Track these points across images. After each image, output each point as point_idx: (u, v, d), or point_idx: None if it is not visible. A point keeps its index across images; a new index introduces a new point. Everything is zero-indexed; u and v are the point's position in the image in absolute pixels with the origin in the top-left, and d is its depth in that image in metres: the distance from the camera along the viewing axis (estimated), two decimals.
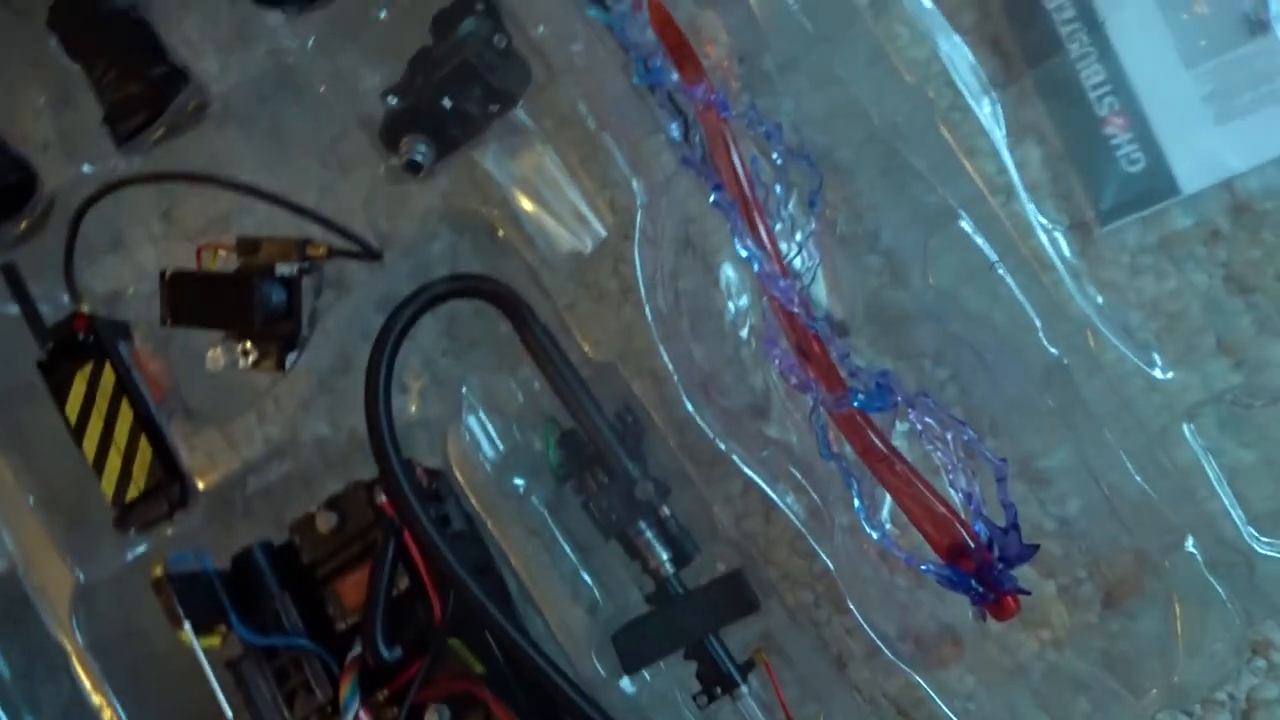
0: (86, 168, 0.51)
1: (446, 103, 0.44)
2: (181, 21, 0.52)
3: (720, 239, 0.54)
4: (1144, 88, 0.55)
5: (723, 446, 0.47)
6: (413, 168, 0.46)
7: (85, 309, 0.51)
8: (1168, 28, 0.55)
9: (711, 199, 0.46)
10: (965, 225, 0.54)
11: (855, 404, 0.46)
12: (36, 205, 0.51)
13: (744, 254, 0.45)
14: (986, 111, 0.57)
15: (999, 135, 0.57)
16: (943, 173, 0.55)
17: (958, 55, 0.58)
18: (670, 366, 0.51)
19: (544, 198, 0.46)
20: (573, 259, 0.46)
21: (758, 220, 0.46)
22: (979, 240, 0.54)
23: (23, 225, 0.51)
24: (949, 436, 0.48)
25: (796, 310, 0.46)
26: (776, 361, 0.47)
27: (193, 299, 0.49)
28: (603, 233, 0.46)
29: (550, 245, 0.46)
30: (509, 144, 0.46)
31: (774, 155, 0.49)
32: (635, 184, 0.45)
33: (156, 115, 0.50)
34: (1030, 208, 0.56)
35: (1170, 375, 0.50)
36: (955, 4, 0.58)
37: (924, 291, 0.56)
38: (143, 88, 0.50)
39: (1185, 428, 0.48)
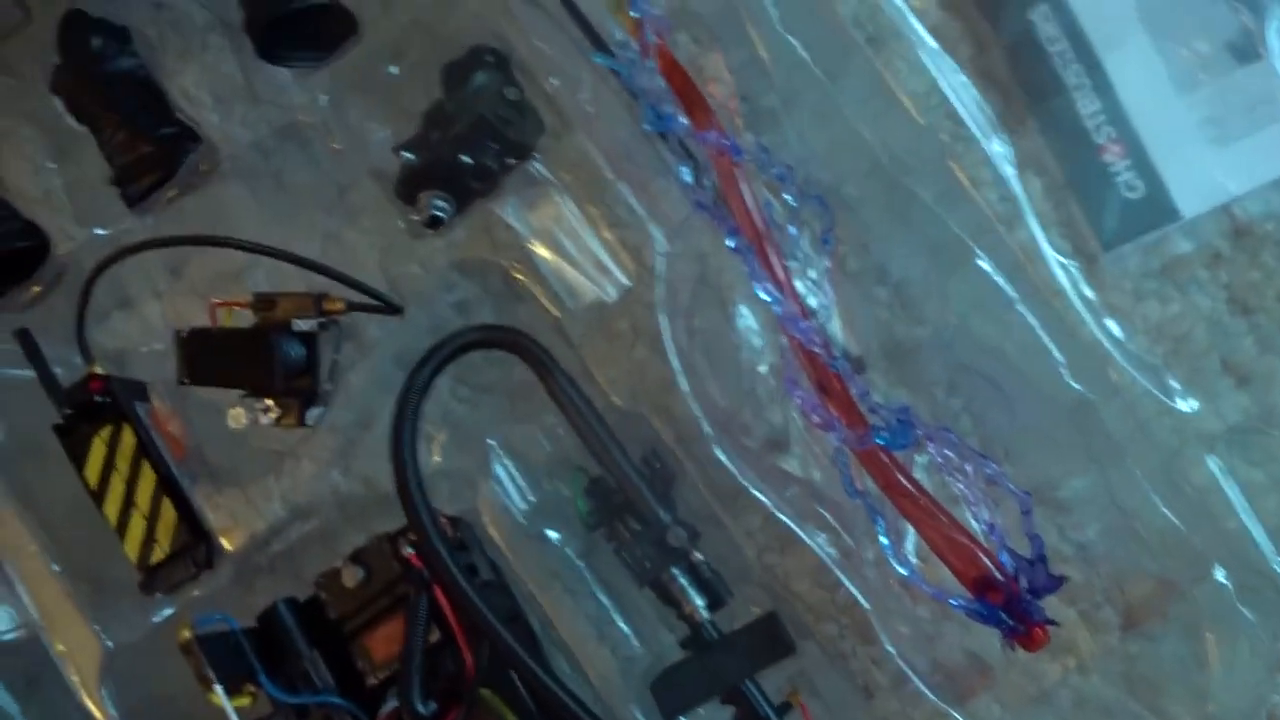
0: (99, 230, 0.50)
1: (465, 158, 0.44)
2: (188, 80, 0.52)
3: (734, 276, 0.54)
4: (1139, 115, 0.56)
5: (757, 494, 0.47)
6: (434, 223, 0.46)
7: (100, 370, 0.51)
8: (1160, 57, 0.56)
9: (730, 244, 0.46)
10: (973, 255, 0.55)
11: (879, 442, 0.46)
12: (50, 271, 0.50)
13: (765, 298, 0.45)
14: (987, 142, 0.58)
15: (1000, 165, 0.58)
16: (947, 203, 0.56)
17: (957, 88, 0.59)
18: (694, 404, 0.51)
19: (564, 248, 0.46)
20: (596, 308, 0.47)
21: (775, 263, 0.47)
22: (987, 270, 0.55)
23: (35, 290, 0.50)
24: (969, 468, 0.49)
25: (818, 351, 0.46)
26: (798, 401, 0.47)
27: (210, 357, 0.49)
28: (625, 281, 0.46)
29: (572, 295, 0.46)
30: (527, 195, 0.46)
31: (786, 196, 0.49)
32: (654, 230, 0.46)
33: (167, 177, 0.49)
34: (1035, 236, 0.57)
35: (1191, 404, 0.51)
36: (953, 38, 0.59)
37: (934, 322, 0.56)
38: (152, 149, 0.49)
39: (1209, 459, 0.48)
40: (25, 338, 0.49)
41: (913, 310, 0.58)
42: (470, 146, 0.44)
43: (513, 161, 0.46)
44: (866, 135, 0.56)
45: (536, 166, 0.47)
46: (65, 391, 0.50)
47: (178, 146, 0.50)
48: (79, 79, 0.50)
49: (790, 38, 0.57)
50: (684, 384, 0.51)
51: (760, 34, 0.57)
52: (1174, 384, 0.52)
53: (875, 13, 0.59)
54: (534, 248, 0.46)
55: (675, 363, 0.50)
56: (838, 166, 0.57)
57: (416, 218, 0.46)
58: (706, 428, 0.51)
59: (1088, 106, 0.57)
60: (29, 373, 0.50)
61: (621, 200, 0.46)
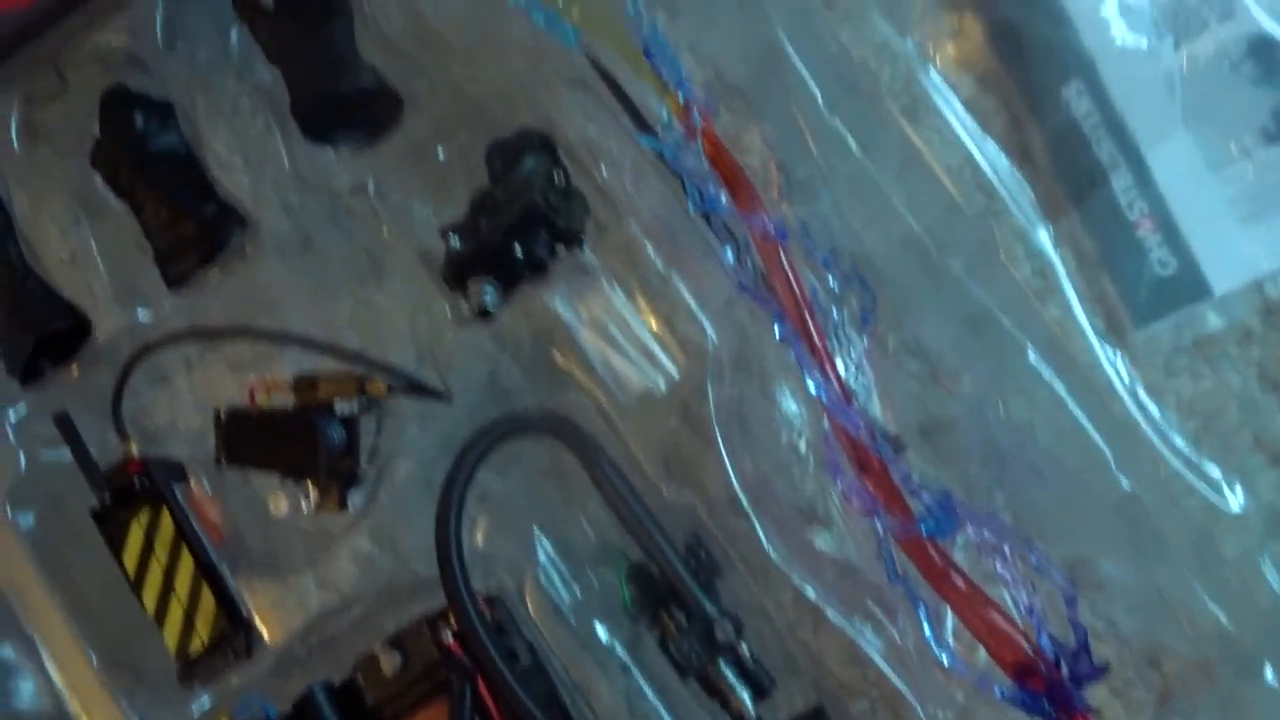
0: (141, 312, 0.50)
1: (516, 247, 0.44)
2: (219, 143, 0.51)
3: (773, 353, 0.54)
4: (1172, 192, 0.56)
5: (792, 575, 0.47)
6: (484, 314, 0.46)
7: (137, 452, 0.50)
8: (1193, 135, 0.57)
9: (776, 333, 0.46)
10: (1006, 330, 0.55)
11: (924, 531, 0.47)
12: (90, 354, 0.49)
13: (812, 388, 0.45)
14: (1020, 216, 0.58)
15: (1034, 240, 0.58)
16: (981, 277, 0.56)
17: (990, 161, 0.59)
18: (733, 478, 0.51)
19: (612, 336, 0.46)
20: (644, 398, 0.47)
21: (820, 350, 0.47)
22: (1020, 344, 0.55)
23: (74, 373, 0.49)
24: (1008, 549, 0.49)
25: (864, 439, 0.46)
26: (841, 487, 0.48)
27: (249, 439, 0.48)
28: (674, 373, 0.46)
29: (619, 383, 0.46)
30: (574, 282, 0.46)
31: (829, 278, 0.49)
32: (705, 321, 0.45)
33: (210, 258, 0.49)
34: (1069, 311, 0.57)
35: (1238, 499, 0.51)
36: (987, 111, 0.59)
37: (967, 396, 0.56)
38: (195, 229, 0.49)
39: (1243, 540, 0.49)
40: (65, 423, 0.48)
41: (946, 384, 0.58)
42: (521, 234, 0.44)
43: (563, 249, 0.46)
44: (900, 208, 0.56)
45: (585, 253, 0.47)
46: (104, 475, 0.49)
47: (221, 227, 0.49)
48: (120, 156, 0.50)
49: (826, 109, 0.57)
50: (724, 458, 0.51)
51: (796, 105, 0.58)
52: (1211, 469, 0.52)
53: (909, 85, 0.60)
54: (580, 334, 0.46)
55: (720, 442, 0.50)
56: (872, 238, 0.57)
57: (465, 306, 0.46)
58: (744, 502, 0.51)
59: (1121, 183, 0.57)
60: (65, 453, 0.49)
61: (673, 289, 0.46)
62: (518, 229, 0.44)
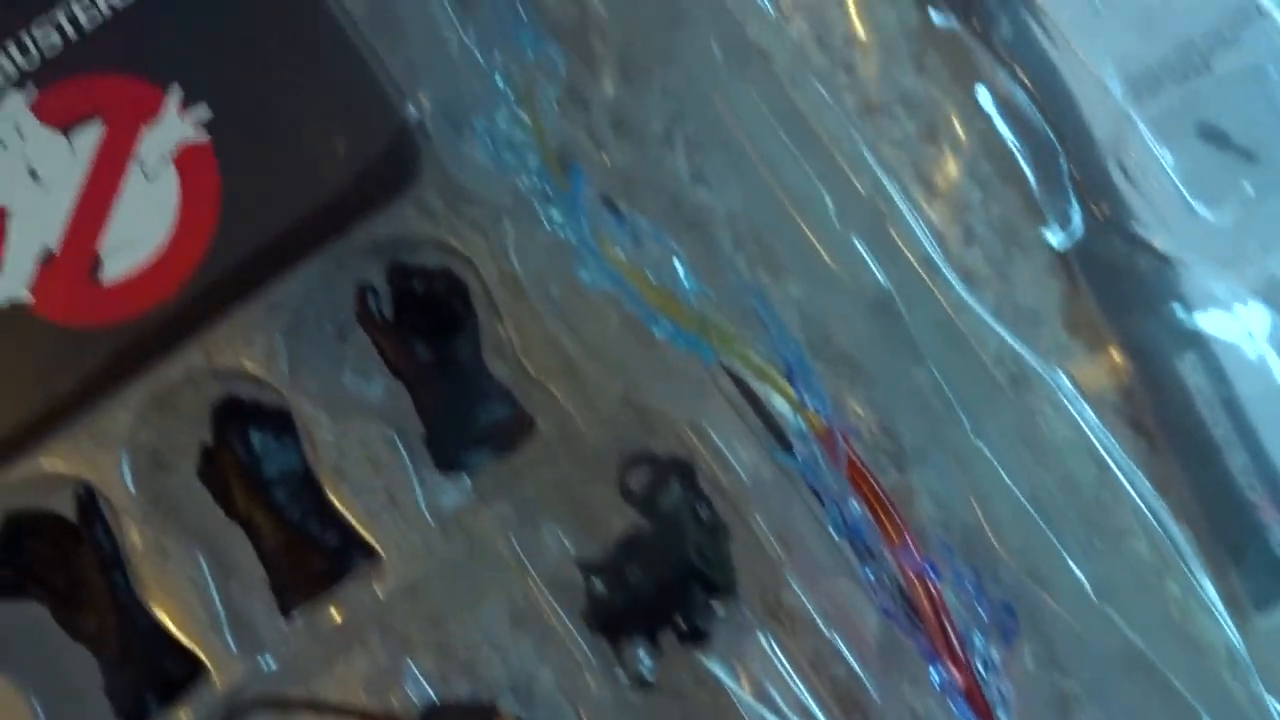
0: (266, 662, 0.47)
1: (680, 621, 0.42)
2: (351, 477, 0.48)
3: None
4: None
5: None
6: (642, 684, 0.44)
7: None
8: None
9: (934, 680, 0.45)
10: (1127, 606, 0.54)
11: None
12: (204, 699, 0.46)
13: None
14: (1136, 493, 0.57)
15: (1151, 516, 0.57)
16: (1096, 552, 0.55)
17: (1102, 436, 0.58)
18: None
19: (770, 697, 0.44)
20: None
21: (976, 692, 0.46)
22: (1128, 627, 0.54)
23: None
24: None
25: None
26: None
27: None
28: None
29: None
30: (731, 640, 0.44)
31: (976, 606, 0.48)
32: (867, 679, 0.44)
33: (328, 587, 0.46)
34: (1189, 589, 0.56)
35: None
36: (1099, 382, 0.58)
37: (1085, 681, 0.55)
38: (316, 561, 0.46)
39: None
40: None
41: (1063, 663, 0.57)
42: (675, 592, 0.42)
43: (719, 607, 0.44)
44: (1010, 481, 0.56)
45: (741, 608, 0.45)
46: None
47: (346, 560, 0.47)
48: (233, 475, 0.47)
49: (936, 376, 0.56)
50: None
51: (906, 371, 0.57)
52: None
53: (1018, 354, 0.59)
54: (737, 694, 0.44)
55: None
56: (985, 510, 0.57)
57: (623, 677, 0.44)
58: None
59: (1237, 461, 0.57)
60: None
61: (821, 633, 0.44)
62: (671, 586, 0.42)
